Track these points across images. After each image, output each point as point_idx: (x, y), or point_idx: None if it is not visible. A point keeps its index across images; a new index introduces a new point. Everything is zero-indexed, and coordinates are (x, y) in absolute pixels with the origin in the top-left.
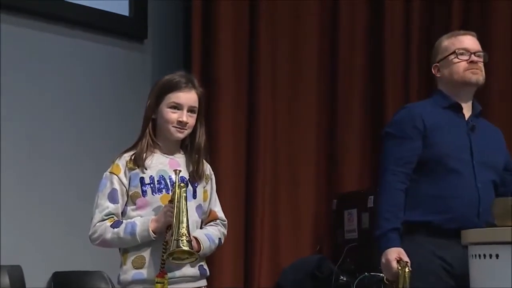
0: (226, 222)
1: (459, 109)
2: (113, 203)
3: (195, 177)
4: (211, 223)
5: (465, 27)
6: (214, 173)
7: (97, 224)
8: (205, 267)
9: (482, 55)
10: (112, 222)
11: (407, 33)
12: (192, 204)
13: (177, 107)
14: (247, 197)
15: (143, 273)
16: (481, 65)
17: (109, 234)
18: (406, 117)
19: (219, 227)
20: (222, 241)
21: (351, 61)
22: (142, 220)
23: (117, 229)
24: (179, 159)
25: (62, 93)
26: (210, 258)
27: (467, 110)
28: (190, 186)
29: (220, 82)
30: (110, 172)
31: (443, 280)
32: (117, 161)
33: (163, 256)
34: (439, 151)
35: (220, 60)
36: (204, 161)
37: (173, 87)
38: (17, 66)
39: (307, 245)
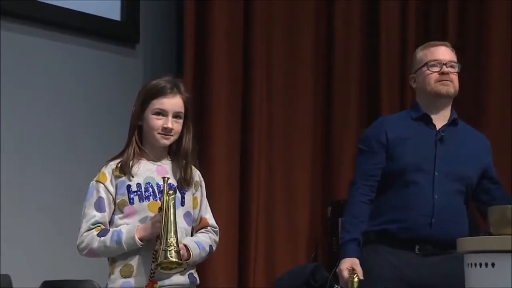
0: (217, 229)
1: (428, 120)
2: (100, 212)
3: (183, 183)
4: (202, 230)
5: (462, 27)
6: (207, 179)
7: (84, 233)
8: (195, 275)
9: (455, 65)
10: (99, 231)
11: (403, 34)
12: (180, 212)
13: (161, 113)
14: (241, 204)
15: (131, 282)
16: (453, 76)
17: (96, 243)
18: (372, 131)
19: (210, 234)
20: (214, 248)
21: (346, 68)
22: (128, 227)
23: (104, 237)
24: (167, 166)
25: (54, 98)
26: (203, 266)
27: (441, 120)
28: (178, 193)
29: (213, 86)
30: (96, 181)
31: (396, 286)
32: (103, 169)
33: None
34: (399, 164)
35: (214, 64)
36: (193, 167)
37: (158, 93)
38: (9, 71)
39: (302, 253)
